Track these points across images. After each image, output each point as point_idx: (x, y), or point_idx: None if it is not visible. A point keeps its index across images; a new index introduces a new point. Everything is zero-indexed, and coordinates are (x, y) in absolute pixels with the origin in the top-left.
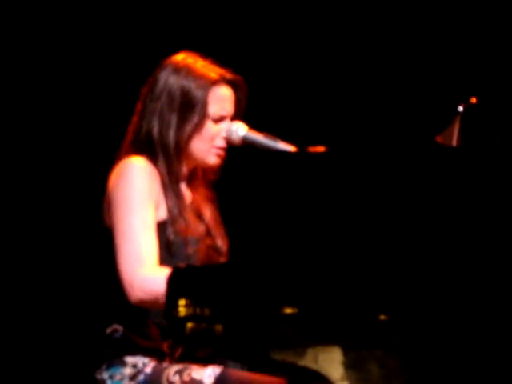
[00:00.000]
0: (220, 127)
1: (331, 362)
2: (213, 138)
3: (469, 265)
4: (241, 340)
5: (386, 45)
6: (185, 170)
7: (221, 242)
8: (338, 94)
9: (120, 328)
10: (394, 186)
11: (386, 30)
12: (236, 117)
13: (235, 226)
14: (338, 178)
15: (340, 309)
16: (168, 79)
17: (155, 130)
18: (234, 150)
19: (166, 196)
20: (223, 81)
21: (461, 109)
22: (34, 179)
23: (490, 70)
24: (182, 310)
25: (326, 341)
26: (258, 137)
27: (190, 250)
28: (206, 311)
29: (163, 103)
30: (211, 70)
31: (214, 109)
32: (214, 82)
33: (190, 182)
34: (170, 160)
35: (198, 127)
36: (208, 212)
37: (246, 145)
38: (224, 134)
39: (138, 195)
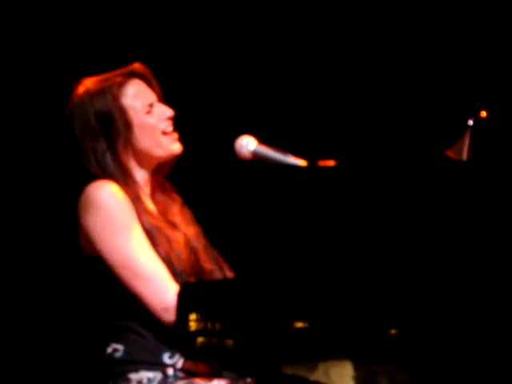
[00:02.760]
0: (155, 113)
1: (342, 377)
2: (156, 127)
3: (480, 279)
4: (251, 354)
5: (397, 60)
6: (146, 177)
7: (196, 242)
8: (347, 108)
9: (120, 347)
10: (405, 200)
11: (396, 44)
12: (159, 99)
13: (246, 241)
14: (349, 192)
15: (351, 323)
16: (79, 117)
17: (95, 167)
18: (244, 165)
19: (139, 216)
20: (127, 78)
21: (471, 122)
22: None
23: (500, 84)
24: (193, 325)
25: (337, 355)
26: (268, 151)
27: (178, 267)
28: (217, 325)
29: (88, 139)
30: (111, 79)
31: (138, 104)
32: (120, 85)
33: (150, 192)
34: (124, 181)
35: (129, 133)
36: (178, 217)
37: (256, 159)
38: (164, 116)
39: (121, 217)
